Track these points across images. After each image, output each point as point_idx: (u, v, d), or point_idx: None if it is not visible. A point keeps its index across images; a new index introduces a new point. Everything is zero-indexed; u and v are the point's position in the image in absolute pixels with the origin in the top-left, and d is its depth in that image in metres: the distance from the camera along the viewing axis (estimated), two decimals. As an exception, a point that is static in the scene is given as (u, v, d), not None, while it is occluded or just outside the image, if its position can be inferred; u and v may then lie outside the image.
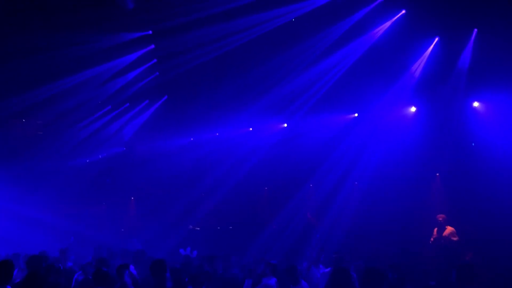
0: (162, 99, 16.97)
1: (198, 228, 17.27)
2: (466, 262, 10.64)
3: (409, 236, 13.66)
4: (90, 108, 16.18)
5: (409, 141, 14.15)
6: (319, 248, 10.66)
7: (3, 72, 12.93)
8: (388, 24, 13.08)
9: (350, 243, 14.02)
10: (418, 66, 13.71)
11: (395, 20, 12.92)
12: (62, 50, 13.12)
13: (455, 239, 12.25)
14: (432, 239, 12.54)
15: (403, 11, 12.72)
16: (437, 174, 14.78)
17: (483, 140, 13.40)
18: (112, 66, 14.54)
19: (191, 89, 15.62)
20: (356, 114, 15.80)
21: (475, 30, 12.61)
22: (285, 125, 16.93)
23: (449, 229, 12.43)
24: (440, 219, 12.63)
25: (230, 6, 12.56)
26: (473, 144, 13.84)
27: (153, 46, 14.26)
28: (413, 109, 14.82)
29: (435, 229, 12.63)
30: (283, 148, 16.46)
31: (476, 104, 13.81)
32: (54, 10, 11.86)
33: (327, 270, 8.94)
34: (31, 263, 8.34)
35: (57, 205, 17.42)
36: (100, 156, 18.63)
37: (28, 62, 12.95)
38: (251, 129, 17.50)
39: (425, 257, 12.69)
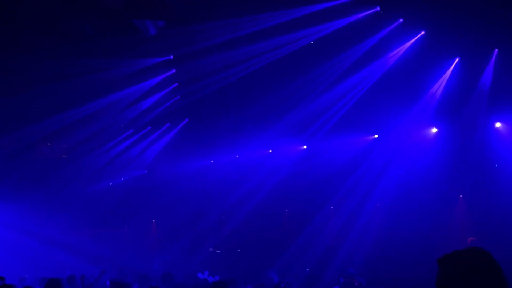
0: (183, 122, 17.17)
1: (219, 251, 17.25)
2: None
3: (432, 259, 13.40)
4: (113, 132, 16.48)
5: (431, 162, 13.99)
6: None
7: (29, 97, 13.31)
8: (407, 45, 13.04)
9: (370, 266, 13.83)
10: (439, 86, 13.61)
11: (415, 41, 12.89)
12: (87, 76, 13.46)
13: None
14: None
15: (422, 32, 12.69)
16: (460, 196, 14.55)
17: (506, 161, 13.18)
18: (134, 90, 14.84)
19: (211, 112, 15.78)
20: (376, 136, 15.71)
21: (496, 50, 12.51)
22: (305, 147, 16.92)
23: None
24: (469, 242, 12.44)
25: (250, 31, 12.73)
26: (496, 165, 13.61)
27: (174, 70, 14.50)
28: (434, 130, 14.69)
29: None
30: (303, 170, 16.41)
31: (498, 124, 13.63)
32: (78, 38, 12.21)
33: None
34: (49, 286, 8.41)
35: (80, 228, 17.65)
36: (122, 179, 18.85)
37: (54, 88, 13.32)
38: (271, 151, 17.53)
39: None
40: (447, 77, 13.33)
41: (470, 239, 12.53)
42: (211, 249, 17.30)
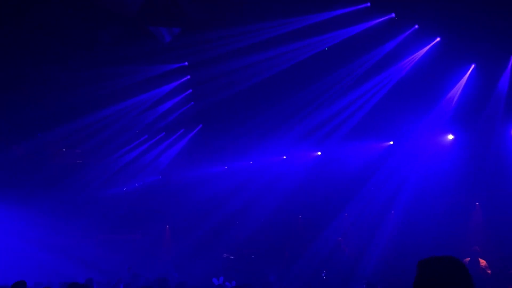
0: (197, 128, 17.23)
1: (233, 257, 17.24)
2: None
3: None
4: (127, 138, 16.59)
5: (447, 169, 13.87)
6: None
7: (45, 104, 13.47)
8: (423, 51, 12.95)
9: (385, 274, 13.71)
10: (455, 93, 13.50)
11: (430, 47, 12.79)
12: (102, 82, 13.58)
13: (489, 272, 11.98)
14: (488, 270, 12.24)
15: (438, 39, 12.59)
16: (477, 203, 14.40)
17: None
18: (149, 96, 14.94)
19: (225, 118, 15.82)
20: (391, 142, 15.62)
21: (513, 56, 12.40)
22: (319, 153, 16.88)
23: (482, 262, 12.16)
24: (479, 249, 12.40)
25: (264, 37, 12.75)
26: (513, 173, 13.45)
27: (188, 76, 14.57)
28: (450, 136, 14.56)
29: (467, 259, 12.30)
30: (317, 176, 16.37)
31: (515, 131, 13.49)
32: (94, 45, 12.33)
33: None
34: None
35: (94, 232, 17.75)
36: (136, 185, 18.95)
37: (69, 95, 13.46)
38: (285, 157, 17.51)
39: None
40: (463, 84, 13.20)
41: (474, 248, 12.48)
42: (225, 255, 17.30)
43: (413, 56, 12.99)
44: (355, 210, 15.89)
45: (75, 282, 8.72)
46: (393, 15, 12.01)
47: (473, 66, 12.96)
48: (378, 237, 15.26)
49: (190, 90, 15.27)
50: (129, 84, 13.99)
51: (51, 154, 16.54)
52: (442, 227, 13.68)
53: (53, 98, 13.37)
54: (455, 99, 13.41)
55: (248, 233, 17.35)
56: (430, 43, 12.66)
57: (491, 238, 13.21)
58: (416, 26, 12.34)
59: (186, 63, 14.01)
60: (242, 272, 15.17)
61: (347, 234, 16.19)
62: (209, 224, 17.72)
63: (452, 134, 14.48)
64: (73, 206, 17.36)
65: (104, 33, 12.35)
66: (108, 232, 18.16)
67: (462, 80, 13.18)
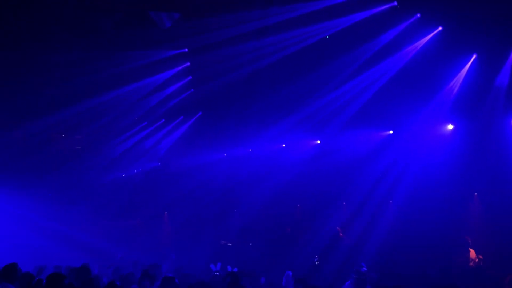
0: (197, 115, 17.20)
1: (230, 244, 17.30)
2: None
3: (445, 256, 13.34)
4: (126, 124, 16.57)
5: (446, 159, 13.87)
6: None
7: (45, 90, 13.44)
8: (424, 40, 12.87)
9: (382, 262, 13.77)
10: (456, 83, 13.45)
11: (432, 36, 12.71)
12: (101, 68, 13.52)
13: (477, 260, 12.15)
14: (477, 259, 12.32)
15: (440, 28, 12.51)
16: (475, 194, 14.42)
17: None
18: (148, 83, 14.88)
19: (225, 105, 15.77)
20: (391, 131, 15.60)
21: (514, 47, 12.33)
22: (318, 141, 16.86)
23: (472, 253, 12.29)
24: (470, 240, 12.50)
25: (264, 24, 12.66)
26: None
27: (188, 63, 14.51)
28: (450, 126, 14.54)
29: (473, 251, 12.34)
30: (316, 164, 16.38)
31: (515, 122, 13.46)
32: (92, 30, 12.24)
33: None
34: (77, 274, 8.50)
35: (93, 218, 17.79)
36: (135, 171, 18.96)
37: (68, 80, 13.41)
38: (284, 145, 17.50)
39: (463, 278, 12.35)
40: (464, 74, 13.15)
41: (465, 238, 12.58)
42: (223, 242, 17.36)
43: (414, 45, 12.91)
44: (353, 199, 15.92)
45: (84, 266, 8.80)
46: (395, 3, 11.91)
47: (474, 56, 12.89)
48: (376, 227, 15.31)
49: (190, 77, 15.21)
50: (129, 70, 13.92)
51: (50, 140, 16.52)
52: (440, 217, 13.72)
53: (52, 84, 13.33)
54: (456, 89, 13.36)
55: (246, 220, 17.40)
56: (432, 32, 12.58)
57: (489, 229, 13.25)
58: (418, 15, 12.25)
59: (186, 50, 13.92)
60: (239, 259, 15.22)
61: (345, 223, 16.23)
62: (207, 211, 17.77)
63: (452, 124, 14.46)
64: (72, 192, 17.39)
65: (104, 18, 12.26)
66: (106, 218, 18.20)
67: (463, 70, 13.12)
